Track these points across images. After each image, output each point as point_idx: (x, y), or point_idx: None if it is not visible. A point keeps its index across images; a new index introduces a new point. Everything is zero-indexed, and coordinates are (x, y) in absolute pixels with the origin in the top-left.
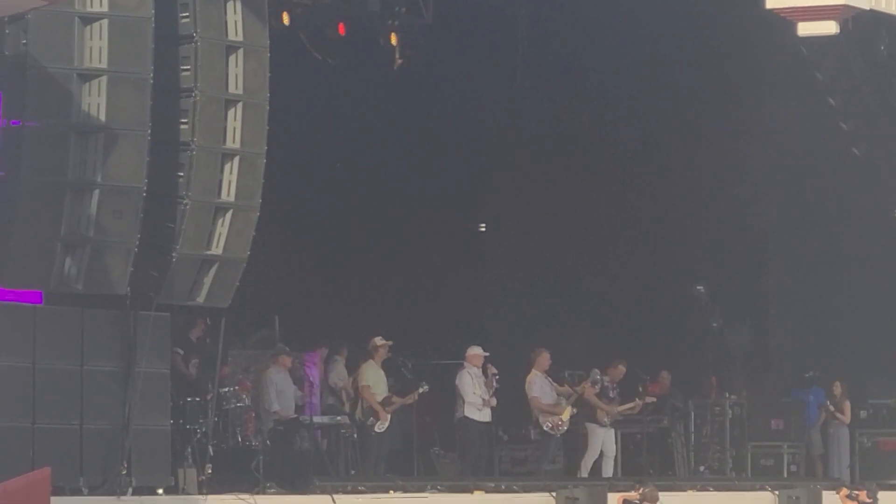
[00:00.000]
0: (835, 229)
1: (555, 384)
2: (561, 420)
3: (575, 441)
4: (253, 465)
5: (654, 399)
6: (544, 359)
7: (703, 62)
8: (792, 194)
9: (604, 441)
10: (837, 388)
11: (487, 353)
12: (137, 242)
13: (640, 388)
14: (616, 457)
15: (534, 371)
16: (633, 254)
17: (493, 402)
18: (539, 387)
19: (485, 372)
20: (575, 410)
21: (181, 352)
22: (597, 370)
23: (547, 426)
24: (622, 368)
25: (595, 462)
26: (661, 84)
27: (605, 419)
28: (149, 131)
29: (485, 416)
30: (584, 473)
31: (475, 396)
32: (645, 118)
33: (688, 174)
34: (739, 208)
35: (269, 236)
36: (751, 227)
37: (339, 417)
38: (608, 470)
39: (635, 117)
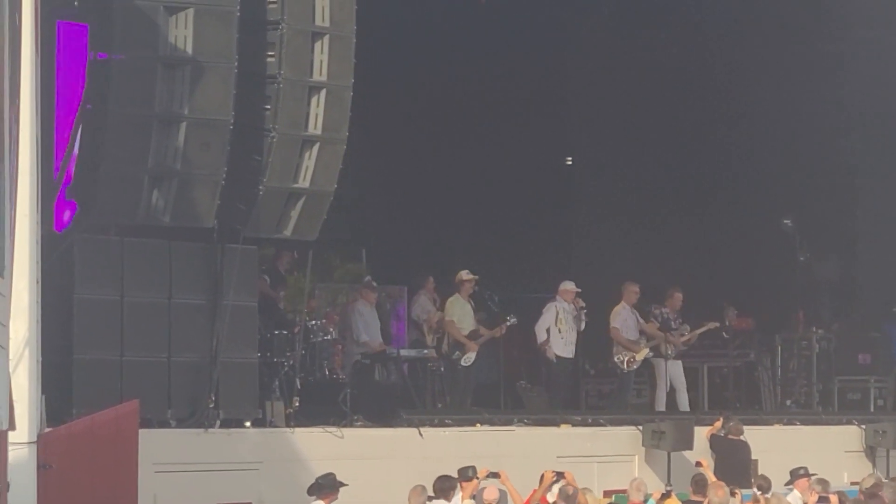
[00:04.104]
0: None
1: (642, 322)
2: (634, 358)
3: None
4: (340, 398)
5: (716, 325)
6: (631, 292)
7: None
8: (881, 126)
9: (672, 374)
10: None
11: (580, 290)
12: (224, 175)
13: (727, 323)
14: (703, 391)
15: (622, 303)
16: (721, 187)
17: (574, 335)
18: (623, 319)
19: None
20: (651, 353)
21: (268, 279)
22: (654, 305)
23: (617, 359)
24: (679, 296)
25: (670, 396)
26: (751, 15)
27: (669, 351)
28: (235, 64)
29: (567, 352)
30: (660, 407)
31: (556, 336)
32: (734, 49)
33: (777, 106)
34: (828, 140)
35: (356, 169)
36: (839, 160)
37: (425, 351)
38: (683, 403)
39: (724, 49)
